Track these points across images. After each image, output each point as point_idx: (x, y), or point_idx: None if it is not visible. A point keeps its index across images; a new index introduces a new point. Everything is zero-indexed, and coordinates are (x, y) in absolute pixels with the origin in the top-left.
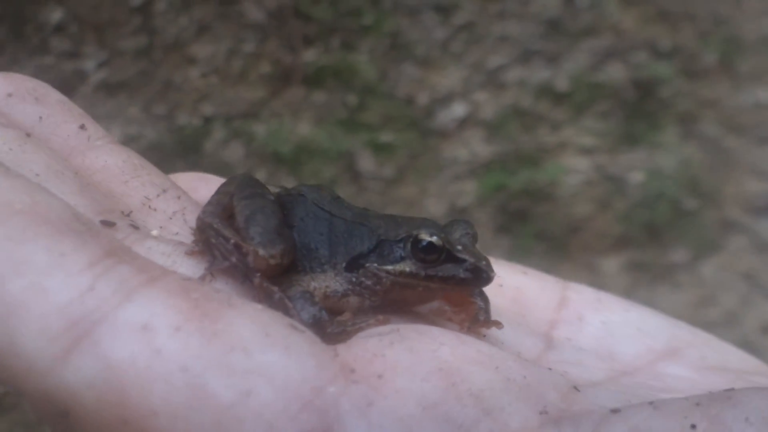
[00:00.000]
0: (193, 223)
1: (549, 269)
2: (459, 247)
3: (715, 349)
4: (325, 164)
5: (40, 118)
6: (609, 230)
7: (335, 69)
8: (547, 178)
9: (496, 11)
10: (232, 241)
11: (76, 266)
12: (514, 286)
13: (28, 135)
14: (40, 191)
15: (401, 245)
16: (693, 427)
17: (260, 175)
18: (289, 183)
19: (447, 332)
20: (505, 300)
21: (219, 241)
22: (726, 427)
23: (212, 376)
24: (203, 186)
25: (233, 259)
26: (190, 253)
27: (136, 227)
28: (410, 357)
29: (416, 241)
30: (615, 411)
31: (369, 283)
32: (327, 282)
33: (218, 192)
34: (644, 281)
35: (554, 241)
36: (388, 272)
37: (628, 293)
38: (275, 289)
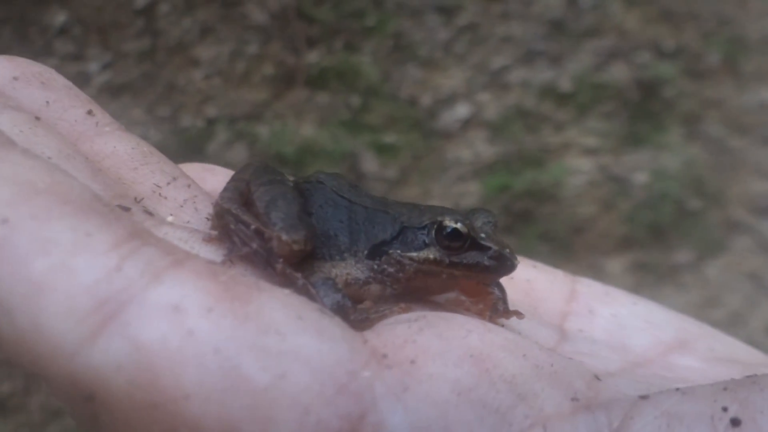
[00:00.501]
0: (204, 212)
1: None
2: (483, 235)
3: (723, 342)
4: (328, 165)
5: (47, 102)
6: (613, 231)
7: (338, 70)
8: (550, 179)
9: (499, 12)
10: (253, 226)
11: (102, 246)
12: (524, 279)
13: (37, 118)
14: (60, 172)
15: (425, 232)
16: (725, 409)
17: None
18: None
19: (473, 319)
20: (516, 292)
21: (238, 227)
22: (757, 409)
23: (246, 358)
24: (210, 177)
25: (254, 245)
26: (208, 240)
27: (150, 214)
28: (440, 343)
29: (441, 227)
30: (643, 397)
31: (392, 270)
32: (348, 269)
33: (234, 179)
34: (649, 282)
35: (558, 241)
36: (411, 259)
37: (633, 293)
38: (298, 275)
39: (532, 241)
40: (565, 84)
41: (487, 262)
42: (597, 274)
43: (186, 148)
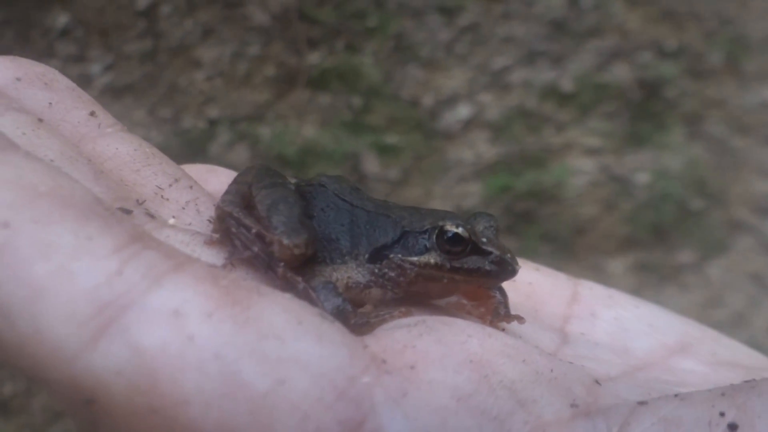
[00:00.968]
0: (206, 214)
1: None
2: (484, 239)
3: (725, 346)
4: (330, 166)
5: (50, 104)
6: (615, 231)
7: (340, 71)
8: (552, 179)
9: (501, 12)
10: (254, 230)
11: (102, 250)
12: (526, 281)
13: (40, 120)
14: (62, 175)
15: (426, 236)
16: (722, 414)
17: None
18: None
19: (473, 324)
20: (518, 295)
21: (240, 231)
22: (755, 414)
23: (246, 363)
24: (213, 178)
25: (255, 249)
26: (210, 243)
27: (152, 216)
28: (440, 348)
29: (442, 232)
30: (642, 403)
31: (392, 274)
32: (349, 273)
33: (236, 182)
34: (651, 282)
35: (560, 242)
36: (412, 263)
37: (635, 294)
38: (299, 279)
39: (533, 242)
40: (567, 84)
41: (488, 267)
42: (599, 274)
43: (188, 149)
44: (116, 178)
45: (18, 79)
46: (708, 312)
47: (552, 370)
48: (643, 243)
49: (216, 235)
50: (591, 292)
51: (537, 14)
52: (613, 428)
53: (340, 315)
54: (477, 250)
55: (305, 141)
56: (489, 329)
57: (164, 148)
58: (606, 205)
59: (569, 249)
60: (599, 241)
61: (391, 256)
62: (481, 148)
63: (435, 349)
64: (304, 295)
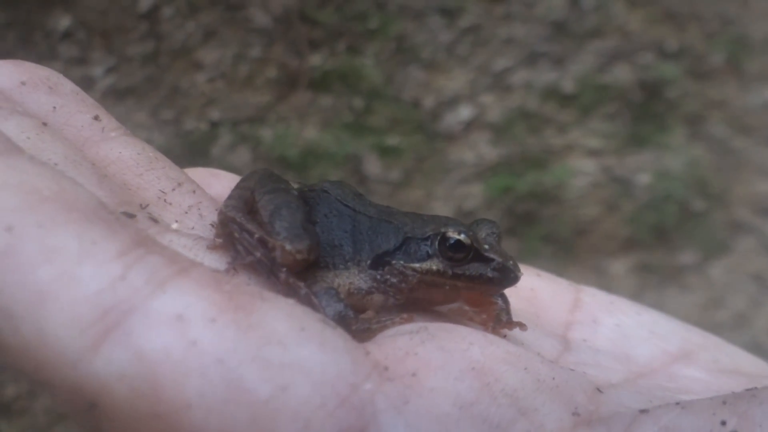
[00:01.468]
0: (208, 218)
1: (557, 272)
2: (486, 246)
3: (727, 353)
4: (331, 168)
5: (54, 107)
6: (616, 232)
7: (341, 73)
8: (554, 181)
9: (502, 14)
10: (257, 235)
11: (106, 255)
12: (528, 287)
13: (44, 124)
14: (66, 179)
15: (428, 243)
16: (723, 423)
17: None
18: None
19: (474, 331)
20: (520, 301)
21: (243, 236)
22: (755, 423)
23: (248, 369)
24: (215, 182)
25: (258, 254)
26: (212, 247)
27: (155, 220)
28: (442, 356)
29: (444, 238)
30: (643, 411)
31: (394, 280)
32: (351, 279)
33: (238, 186)
34: (652, 283)
35: (562, 243)
36: (414, 270)
37: (637, 295)
38: (301, 284)
39: (535, 243)
40: (568, 85)
41: (490, 274)
42: (600, 275)
43: (190, 151)
44: (119, 182)
45: (23, 83)
46: (710, 313)
47: (554, 378)
48: (645, 244)
49: (219, 240)
50: (593, 298)
51: (538, 15)
52: None
53: (342, 321)
54: (479, 257)
55: (307, 143)
56: (490, 336)
57: (166, 150)
58: (607, 206)
59: (571, 250)
60: (600, 242)
61: (393, 262)
62: (482, 150)
63: (437, 357)
64: (306, 301)
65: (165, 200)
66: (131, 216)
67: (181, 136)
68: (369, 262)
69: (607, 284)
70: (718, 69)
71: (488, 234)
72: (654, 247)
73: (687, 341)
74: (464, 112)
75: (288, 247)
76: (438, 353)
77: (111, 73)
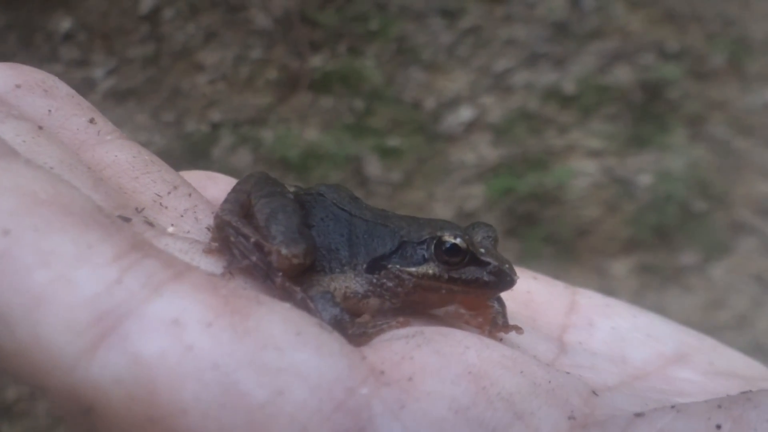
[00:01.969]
0: (204, 222)
1: (558, 273)
2: (482, 250)
3: (723, 355)
4: (332, 169)
5: (50, 111)
6: (618, 233)
7: (342, 74)
8: (554, 181)
9: (503, 15)
10: (253, 239)
11: (102, 258)
12: (524, 290)
13: (40, 128)
14: (62, 182)
15: (424, 247)
16: (718, 427)
17: None
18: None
19: (470, 335)
20: (516, 304)
21: (239, 240)
22: (750, 426)
23: (244, 374)
24: (212, 185)
25: (254, 258)
26: (208, 251)
27: (151, 224)
28: (438, 360)
29: (440, 242)
30: (639, 415)
31: (390, 284)
32: (347, 283)
33: (235, 190)
34: (654, 284)
35: (563, 244)
36: (410, 274)
37: (638, 296)
38: (297, 289)
39: (536, 244)
40: (569, 86)
41: (486, 278)
42: (601, 276)
43: (190, 152)
44: (115, 186)
45: (18, 86)
46: (711, 313)
47: (550, 381)
48: (646, 245)
49: (215, 244)
50: (589, 301)
51: (539, 16)
52: None
53: (338, 325)
54: (475, 260)
55: (307, 144)
56: (486, 340)
57: (167, 152)
58: (608, 206)
59: (572, 251)
60: (602, 242)
61: (389, 266)
62: (483, 151)
63: (433, 361)
64: (302, 305)
65: (161, 204)
66: (127, 220)
67: (182, 138)
68: (365, 266)
69: (608, 285)
70: (719, 70)
71: (484, 238)
72: (655, 247)
73: (682, 344)
74: (465, 113)
75: (284, 251)
76: (434, 357)
77: (112, 75)
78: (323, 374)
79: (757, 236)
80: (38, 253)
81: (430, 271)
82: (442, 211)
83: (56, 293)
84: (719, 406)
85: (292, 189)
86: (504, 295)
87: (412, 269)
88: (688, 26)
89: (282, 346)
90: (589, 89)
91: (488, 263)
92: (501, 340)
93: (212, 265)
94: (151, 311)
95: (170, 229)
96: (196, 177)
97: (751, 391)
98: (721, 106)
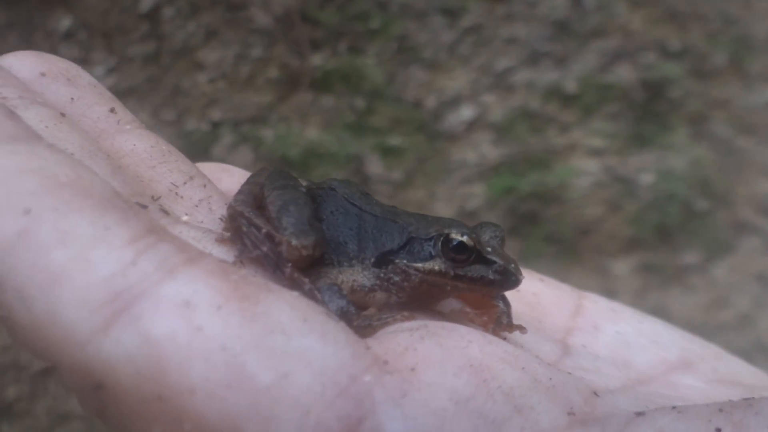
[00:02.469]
0: (218, 212)
1: (559, 272)
2: (489, 249)
3: (726, 363)
4: (333, 168)
5: (72, 99)
6: (619, 232)
7: (343, 73)
8: (556, 180)
9: (504, 13)
10: (264, 230)
11: (119, 240)
12: (531, 292)
13: (62, 115)
14: (83, 167)
15: (432, 243)
16: (718, 430)
17: None
18: None
19: (473, 331)
20: (522, 305)
21: (250, 230)
22: (751, 431)
23: (251, 356)
24: (226, 177)
25: (264, 249)
26: (221, 240)
27: (166, 212)
28: (441, 352)
29: (447, 240)
30: (639, 414)
31: (397, 279)
32: (355, 276)
33: (248, 182)
34: (656, 283)
35: (564, 243)
36: (417, 269)
37: (640, 295)
38: (306, 280)
39: (537, 243)
40: (571, 85)
41: (491, 276)
42: (603, 275)
43: (191, 151)
44: (133, 174)
45: (43, 74)
46: (713, 313)
47: (551, 378)
48: (648, 244)
49: (227, 234)
50: (595, 305)
51: (540, 15)
52: None
53: (344, 316)
54: (481, 259)
55: (308, 143)
56: (489, 336)
57: None
58: (610, 205)
59: (573, 250)
60: (603, 242)
61: (397, 261)
62: (484, 150)
63: (436, 353)
64: (310, 296)
65: (176, 193)
66: (143, 207)
67: (183, 137)
68: (373, 260)
69: (609, 284)
70: (720, 68)
71: (491, 237)
72: (657, 247)
73: (687, 351)
74: (466, 112)
75: (294, 242)
76: (437, 349)
77: (112, 74)
78: (328, 360)
79: (759, 235)
80: (57, 232)
81: (437, 268)
82: (443, 210)
83: (73, 272)
84: (720, 410)
85: (304, 184)
86: (510, 296)
87: (419, 265)
88: (690, 25)
89: (289, 332)
90: (591, 88)
91: (494, 262)
92: (505, 339)
93: (224, 254)
94: (164, 293)
95: (184, 218)
96: (211, 169)
97: (753, 397)
98: (723, 105)
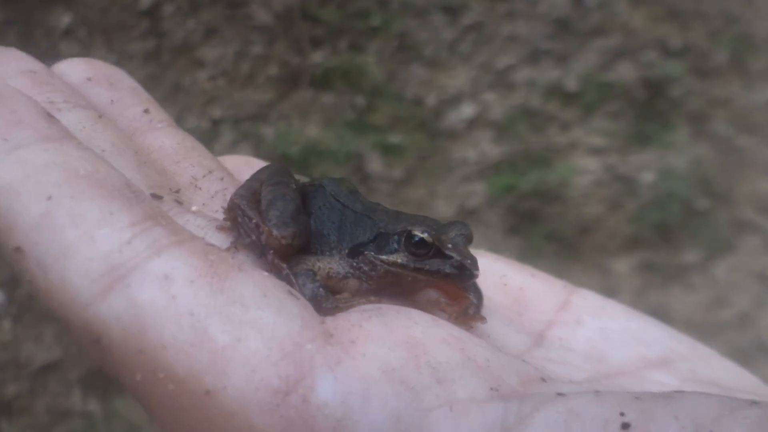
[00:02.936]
0: None
1: (559, 270)
2: (449, 245)
3: (711, 365)
4: (333, 166)
5: (111, 101)
6: (620, 231)
7: (343, 70)
8: (557, 179)
9: (505, 11)
10: (254, 221)
11: (120, 223)
12: (518, 286)
13: (100, 116)
14: (102, 162)
15: (396, 238)
16: (622, 414)
17: None
18: None
19: (426, 315)
20: (506, 298)
21: (244, 220)
22: (653, 419)
23: (213, 322)
24: (248, 169)
25: (253, 237)
26: (220, 228)
27: (179, 203)
28: (383, 329)
29: (409, 236)
30: (561, 394)
31: (366, 268)
32: (331, 264)
33: (252, 178)
34: (656, 282)
35: (565, 242)
36: (382, 261)
37: (640, 294)
38: (284, 265)
39: (538, 241)
40: (571, 83)
41: (447, 270)
42: (604, 274)
43: None
44: (159, 168)
45: (89, 79)
46: (713, 312)
47: (488, 360)
48: (649, 243)
49: (227, 223)
50: (584, 301)
51: (541, 13)
52: (523, 412)
53: (314, 298)
54: (440, 254)
55: (309, 141)
56: (441, 321)
57: None
58: (611, 204)
59: (574, 249)
60: (604, 240)
61: (366, 252)
62: (485, 148)
63: (378, 329)
64: (286, 280)
65: (196, 185)
66: (159, 198)
67: None
68: (347, 251)
69: (610, 283)
70: (722, 67)
71: (456, 234)
72: (658, 245)
73: (670, 349)
74: (467, 110)
75: (274, 232)
76: (380, 327)
77: None
78: (277, 329)
79: (760, 234)
80: (71, 215)
81: (399, 260)
82: (444, 208)
83: (80, 247)
84: (638, 398)
85: (305, 180)
86: (497, 289)
87: (384, 257)
88: (691, 23)
89: (247, 304)
90: (592, 86)
91: (451, 257)
92: (471, 328)
93: (222, 240)
94: (149, 267)
95: (194, 208)
96: (235, 162)
97: (683, 391)
98: (724, 104)
